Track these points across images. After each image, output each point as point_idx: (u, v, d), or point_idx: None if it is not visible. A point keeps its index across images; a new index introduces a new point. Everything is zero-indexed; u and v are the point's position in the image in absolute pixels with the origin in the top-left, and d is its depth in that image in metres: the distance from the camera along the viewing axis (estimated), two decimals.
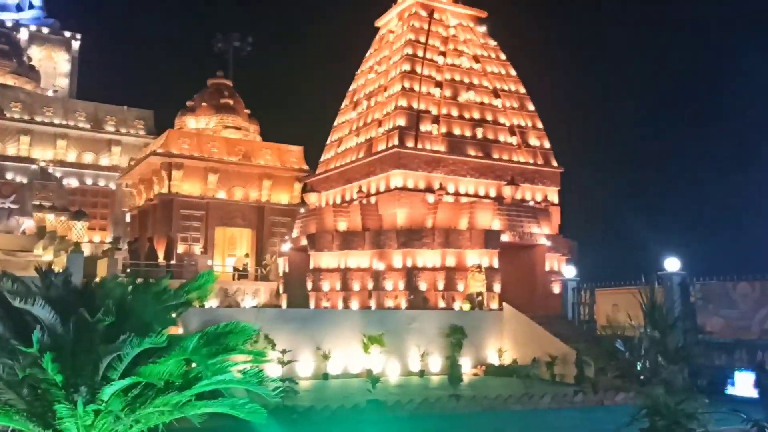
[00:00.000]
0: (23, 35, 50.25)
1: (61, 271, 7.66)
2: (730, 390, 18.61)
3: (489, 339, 24.87)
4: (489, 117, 32.62)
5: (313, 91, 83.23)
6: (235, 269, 35.66)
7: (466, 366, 23.66)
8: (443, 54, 33.31)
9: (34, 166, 41.36)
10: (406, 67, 31.96)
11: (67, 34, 52.64)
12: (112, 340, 6.24)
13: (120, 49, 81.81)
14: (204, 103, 41.75)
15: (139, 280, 7.61)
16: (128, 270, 28.79)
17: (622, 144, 62.62)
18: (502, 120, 32.88)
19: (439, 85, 32.21)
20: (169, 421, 6.92)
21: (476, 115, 32.34)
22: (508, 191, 30.58)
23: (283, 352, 20.24)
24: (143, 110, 47.56)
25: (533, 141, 33.26)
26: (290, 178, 40.15)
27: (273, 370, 19.51)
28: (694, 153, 59.52)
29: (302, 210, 35.56)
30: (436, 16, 34.80)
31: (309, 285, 29.66)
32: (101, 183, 44.34)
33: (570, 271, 26.71)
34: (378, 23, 37.59)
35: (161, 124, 45.38)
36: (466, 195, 30.71)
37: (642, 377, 12.06)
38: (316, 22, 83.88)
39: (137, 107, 47.53)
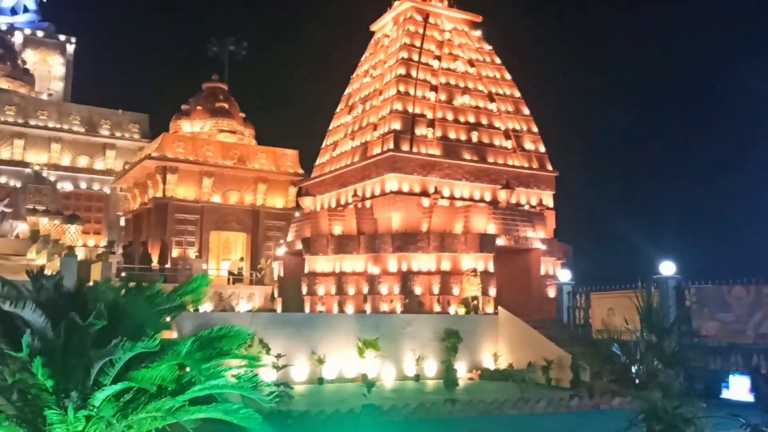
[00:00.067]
0: (18, 39, 50.15)
1: (53, 274, 7.57)
2: (724, 394, 18.57)
3: (484, 343, 24.80)
4: (484, 121, 32.61)
5: (308, 95, 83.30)
6: (230, 273, 35.55)
7: (462, 370, 23.57)
8: (438, 58, 33.31)
9: (28, 170, 41.23)
10: (402, 70, 31.94)
11: (62, 37, 52.54)
12: (104, 345, 6.15)
13: (115, 53, 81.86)
14: (199, 107, 41.71)
15: (131, 284, 7.52)
16: (123, 274, 28.65)
17: (617, 148, 62.81)
18: (497, 124, 32.88)
19: (434, 89, 32.20)
20: (161, 426, 6.82)
21: (471, 119, 32.33)
22: (503, 195, 30.56)
23: (278, 356, 20.13)
24: (138, 114, 47.43)
25: (528, 145, 33.26)
26: (285, 181, 40.10)
27: (268, 375, 19.40)
28: (689, 157, 59.64)
29: (297, 214, 35.46)
30: (431, 20, 34.81)
31: (304, 289, 29.55)
32: (96, 187, 44.17)
33: (565, 275, 26.67)
34: (373, 27, 37.58)
35: (156, 127, 45.37)
36: (461, 199, 30.67)
37: (638, 381, 12.01)
38: (311, 26, 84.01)
39: (132, 111, 47.42)
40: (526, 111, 34.12)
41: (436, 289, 27.33)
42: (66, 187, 42.78)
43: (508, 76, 34.79)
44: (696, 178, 55.16)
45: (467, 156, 31.26)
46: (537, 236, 29.34)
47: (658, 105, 67.44)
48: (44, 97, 47.72)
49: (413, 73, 32.08)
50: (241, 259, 37.71)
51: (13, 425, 6.32)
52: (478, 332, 24.83)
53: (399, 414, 15.80)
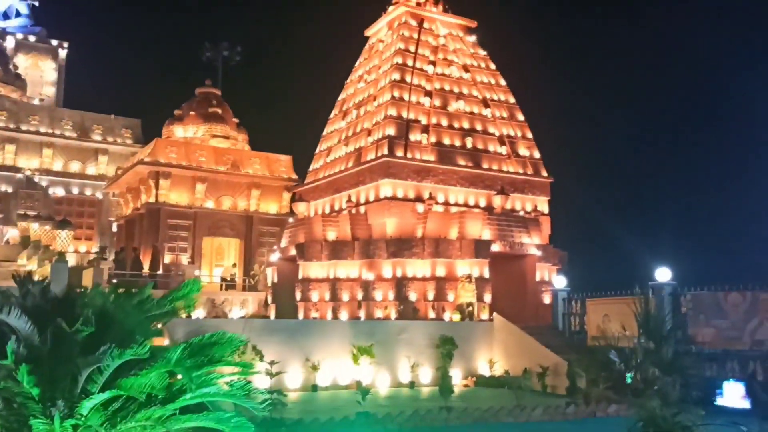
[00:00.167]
0: (9, 43, 49.84)
1: (41, 279, 7.39)
2: (719, 401, 18.46)
3: (479, 350, 24.66)
4: (479, 126, 32.55)
5: (302, 101, 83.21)
6: (223, 279, 35.33)
7: (457, 377, 23.42)
8: (433, 63, 33.25)
9: (19, 175, 40.92)
10: (396, 76, 31.86)
11: (54, 42, 52.26)
12: (92, 352, 5.97)
13: (107, 58, 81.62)
14: (192, 112, 41.53)
15: (121, 290, 7.34)
16: (114, 280, 28.41)
17: (612, 154, 62.84)
18: (491, 130, 32.82)
19: (428, 94, 32.13)
20: None
21: (466, 125, 32.26)
22: (498, 201, 30.47)
23: (272, 363, 19.92)
24: (131, 119, 47.20)
25: (523, 151, 33.21)
26: (279, 187, 39.92)
27: (261, 382, 19.19)
28: (685, 162, 59.79)
29: (291, 219, 35.30)
30: (425, 25, 34.77)
31: (298, 295, 29.36)
32: (88, 192, 43.88)
33: (561, 281, 26.55)
34: (367, 32, 37.52)
35: (149, 133, 45.13)
36: (456, 205, 30.58)
37: (635, 389, 11.87)
38: (305, 32, 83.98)
39: (125, 116, 47.18)
40: (521, 117, 34.08)
41: (431, 296, 27.18)
42: (58, 192, 42.49)
43: (502, 82, 34.76)
44: (691, 183, 55.30)
45: (462, 162, 31.18)
46: (532, 242, 29.25)
47: (653, 110, 67.62)
48: (36, 102, 47.45)
49: (408, 79, 32.00)
50: (234, 265, 37.47)
51: None
52: (473, 339, 24.68)
53: (394, 422, 15.61)
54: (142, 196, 37.36)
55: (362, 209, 30.61)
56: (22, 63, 49.94)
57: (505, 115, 33.60)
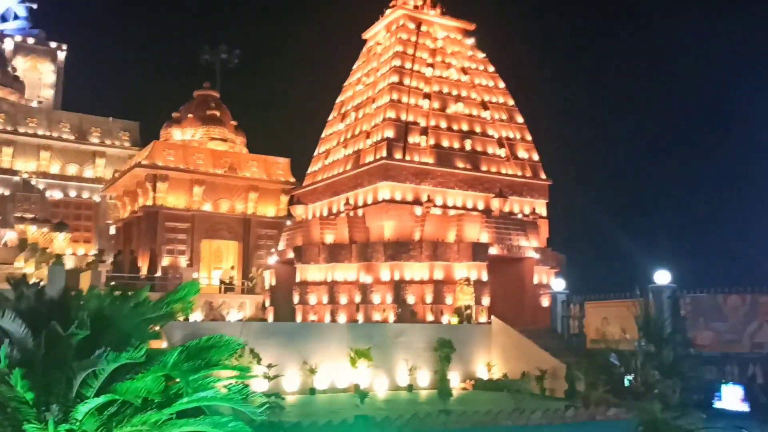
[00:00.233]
0: (8, 45, 49.74)
1: (36, 282, 7.31)
2: (717, 404, 18.40)
3: (478, 353, 24.56)
4: (477, 129, 32.48)
5: (300, 103, 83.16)
6: (222, 282, 35.24)
7: (455, 380, 23.33)
8: (431, 66, 33.19)
9: (16, 178, 40.81)
10: (394, 78, 31.79)
11: (53, 44, 52.15)
12: (87, 355, 5.89)
13: (106, 60, 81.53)
14: (190, 115, 41.46)
15: (117, 293, 7.25)
16: (112, 283, 28.31)
17: (611, 156, 62.83)
18: (490, 132, 32.75)
19: (427, 96, 32.06)
20: None
21: (465, 127, 32.18)
22: (496, 204, 30.40)
23: (269, 366, 19.83)
24: (128, 122, 47.12)
25: (522, 153, 33.13)
26: (277, 190, 39.85)
27: (259, 385, 19.10)
28: (684, 164, 59.81)
29: (289, 222, 35.21)
30: (423, 28, 34.72)
31: (296, 298, 29.25)
32: (85, 195, 43.77)
33: (559, 284, 26.47)
34: (365, 35, 37.47)
35: (147, 135, 45.09)
36: (454, 207, 30.49)
37: (635, 392, 11.80)
38: (303, 34, 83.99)
39: (123, 118, 47.11)
40: (520, 119, 34.01)
41: (429, 298, 27.08)
42: (55, 195, 42.37)
43: (501, 84, 34.71)
44: (690, 185, 55.31)
45: (460, 164, 31.11)
46: (530, 245, 29.17)
47: (653, 113, 67.64)
48: (34, 104, 47.35)
49: (406, 81, 31.94)
50: (233, 267, 37.40)
51: None
52: (472, 342, 24.59)
53: (392, 425, 15.52)
54: (140, 199, 37.28)
55: (360, 212, 30.52)
56: (21, 65, 49.84)
57: (503, 117, 33.54)
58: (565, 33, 76.77)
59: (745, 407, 18.20)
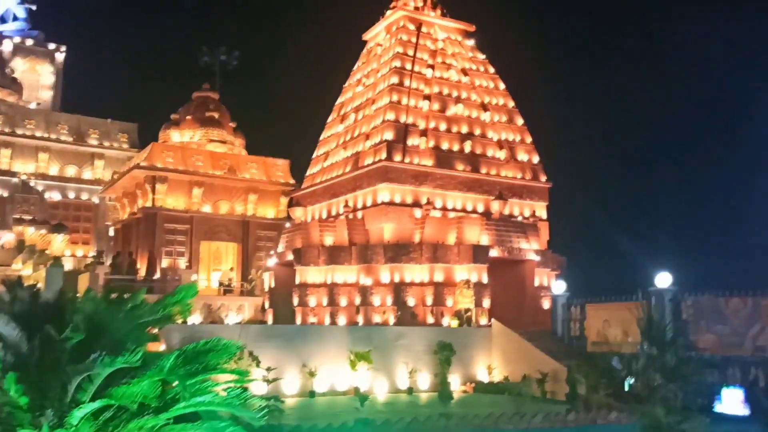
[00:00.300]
0: (6, 47, 49.65)
1: (31, 284, 7.19)
2: (718, 407, 18.27)
3: (478, 356, 24.44)
4: (477, 131, 32.38)
5: (299, 105, 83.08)
6: (221, 284, 35.11)
7: (455, 383, 23.21)
8: (431, 67, 33.09)
9: (15, 180, 40.68)
10: (394, 80, 31.69)
11: (52, 46, 52.06)
12: (82, 359, 5.75)
13: (105, 62, 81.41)
14: (189, 117, 41.34)
15: (113, 295, 7.13)
16: (111, 285, 28.18)
17: (611, 158, 62.70)
18: (490, 134, 32.65)
19: (427, 98, 31.96)
20: None
21: (464, 129, 32.07)
22: (496, 206, 30.30)
23: (268, 369, 19.70)
24: (127, 123, 47.04)
25: (522, 155, 33.03)
26: (276, 192, 39.74)
27: (258, 388, 18.98)
28: (685, 166, 59.72)
29: (288, 224, 35.08)
30: (424, 29, 34.63)
31: (295, 300, 29.14)
32: (84, 196, 43.64)
33: (560, 287, 26.33)
34: (365, 36, 37.38)
35: (145, 137, 45.00)
36: (454, 210, 30.38)
37: (638, 395, 11.69)
38: (303, 36, 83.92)
39: (121, 120, 47.01)
40: (520, 121, 33.91)
41: (429, 301, 26.97)
42: (54, 196, 42.24)
43: (501, 86, 34.61)
44: (691, 188, 55.14)
45: (460, 166, 31.00)
46: (530, 247, 29.06)
47: (654, 115, 67.56)
48: (33, 106, 47.24)
49: (406, 82, 31.85)
50: (232, 269, 37.28)
51: None
52: (472, 344, 24.47)
53: (393, 428, 15.39)
54: (139, 201, 37.17)
55: (360, 214, 30.41)
56: (19, 67, 49.74)
57: (504, 119, 33.44)
58: (565, 34, 76.73)
59: (745, 410, 18.08)
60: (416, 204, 29.70)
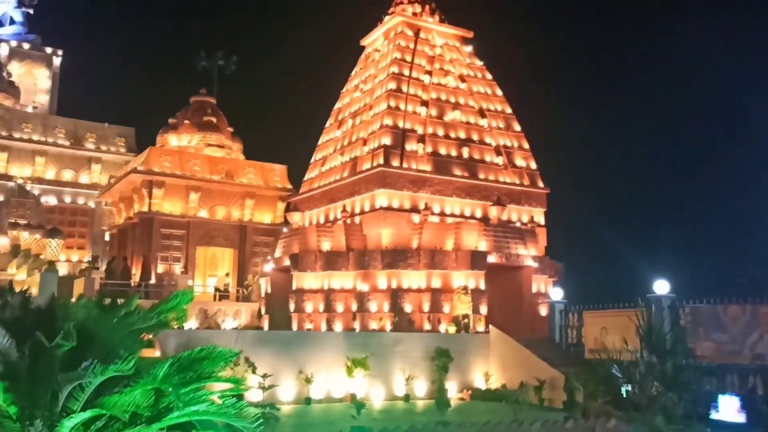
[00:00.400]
0: (3, 51, 49.50)
1: (22, 289, 7.06)
2: (714, 415, 18.17)
3: (475, 362, 24.32)
4: (475, 137, 32.33)
5: (297, 110, 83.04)
6: (217, 289, 34.94)
7: (452, 390, 23.09)
8: (429, 73, 33.06)
9: (11, 184, 40.49)
10: (392, 85, 31.65)
11: (49, 50, 51.91)
12: (73, 368, 5.63)
13: (102, 66, 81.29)
14: (186, 121, 41.22)
15: (107, 301, 7.00)
16: (105, 291, 28.01)
17: (609, 164, 62.74)
18: (488, 140, 32.61)
19: (425, 104, 31.91)
20: None
21: (462, 135, 32.03)
22: (494, 212, 30.21)
23: (264, 376, 19.56)
24: (124, 127, 46.89)
25: (519, 161, 32.99)
26: (273, 197, 39.62)
27: (253, 395, 18.86)
28: (683, 173, 59.74)
29: (285, 229, 34.97)
30: (422, 35, 34.61)
31: (291, 306, 29.00)
32: (80, 201, 43.48)
33: (557, 293, 26.27)
34: (363, 42, 37.37)
35: (143, 141, 44.83)
36: (452, 215, 30.30)
37: (638, 403, 11.58)
38: (301, 41, 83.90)
39: (119, 124, 46.88)
40: (517, 127, 33.89)
41: (426, 307, 26.85)
42: (50, 201, 42.07)
43: (499, 92, 34.60)
44: (690, 194, 55.11)
45: (458, 172, 30.94)
46: (528, 253, 28.97)
47: (652, 120, 67.53)
48: (29, 109, 47.07)
49: (404, 88, 31.80)
50: (228, 275, 37.12)
51: None
52: (469, 351, 24.35)
53: None
54: (135, 205, 37.01)
55: (357, 219, 30.31)
56: (16, 70, 49.57)
57: (501, 125, 33.41)
58: (562, 41, 76.78)
59: (741, 418, 17.98)
60: (414, 209, 29.61)
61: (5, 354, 5.69)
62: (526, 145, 33.66)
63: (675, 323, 20.92)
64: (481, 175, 31.46)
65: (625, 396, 16.51)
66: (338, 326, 27.34)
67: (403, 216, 29.32)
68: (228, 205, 38.00)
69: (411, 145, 30.46)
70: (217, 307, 31.13)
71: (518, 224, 31.26)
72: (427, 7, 35.92)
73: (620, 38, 74.28)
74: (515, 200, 31.88)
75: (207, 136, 40.53)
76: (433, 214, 29.72)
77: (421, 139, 30.94)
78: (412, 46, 33.70)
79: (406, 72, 32.43)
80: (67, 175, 43.41)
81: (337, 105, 36.47)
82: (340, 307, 27.93)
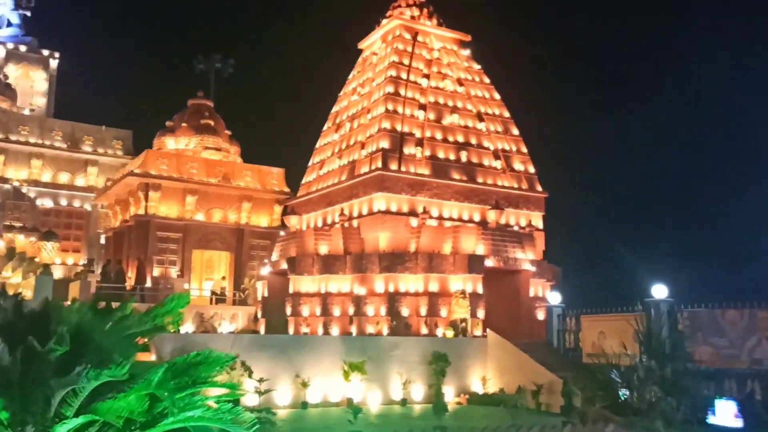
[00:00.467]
0: (0, 53, 49.41)
1: (15, 293, 6.97)
2: (711, 419, 18.10)
3: (473, 367, 24.22)
4: (473, 140, 32.29)
5: (295, 113, 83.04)
6: (213, 293, 34.81)
7: (449, 394, 22.98)
8: (427, 76, 33.02)
9: (7, 186, 40.36)
10: (390, 89, 31.60)
11: (46, 52, 51.88)
12: (67, 373, 5.54)
13: (99, 69, 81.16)
14: (184, 124, 41.15)
15: (102, 304, 6.92)
16: (99, 294, 27.86)
17: (607, 168, 62.70)
18: (486, 144, 32.56)
19: (422, 107, 31.86)
20: None
21: (460, 139, 31.99)
22: (492, 216, 30.15)
23: (261, 380, 19.44)
24: (121, 130, 46.82)
25: (517, 165, 32.94)
26: (270, 200, 39.53)
27: (250, 400, 18.74)
28: (681, 177, 59.74)
29: (282, 233, 34.85)
30: (419, 38, 34.58)
31: (288, 310, 28.89)
32: (76, 204, 43.35)
33: (555, 297, 26.18)
34: (361, 45, 37.33)
35: (140, 144, 44.77)
36: (450, 219, 30.22)
37: (636, 408, 11.50)
38: (298, 44, 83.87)
39: (116, 127, 46.80)
40: (515, 131, 33.86)
41: (423, 311, 26.75)
42: (46, 203, 41.94)
43: (497, 96, 34.57)
44: (688, 198, 55.16)
45: (456, 176, 30.88)
46: (526, 257, 28.90)
47: (650, 123, 67.62)
48: (26, 112, 47.00)
49: (401, 92, 31.76)
50: (224, 278, 36.99)
51: None
52: (467, 355, 24.25)
53: None
54: (131, 208, 36.89)
55: (355, 223, 30.22)
56: (13, 73, 49.51)
57: (499, 129, 33.37)
58: (560, 44, 76.91)
59: (739, 423, 17.92)
60: (412, 213, 29.53)
61: None
62: (525, 149, 33.62)
63: (673, 328, 20.84)
64: (480, 179, 31.41)
65: (623, 400, 16.45)
66: (335, 330, 27.23)
67: (400, 220, 29.24)
68: (225, 208, 37.90)
69: (409, 149, 30.40)
70: (213, 310, 31.02)
71: (516, 228, 31.21)
72: (425, 10, 35.91)
73: (619, 41, 74.34)
74: (513, 204, 31.83)
75: (204, 139, 40.45)
76: (431, 217, 29.65)
77: (419, 142, 30.89)
78: (409, 49, 33.66)
79: (404, 75, 32.40)
80: (64, 177, 43.29)
81: (335, 108, 36.42)
82: (337, 311, 27.83)
